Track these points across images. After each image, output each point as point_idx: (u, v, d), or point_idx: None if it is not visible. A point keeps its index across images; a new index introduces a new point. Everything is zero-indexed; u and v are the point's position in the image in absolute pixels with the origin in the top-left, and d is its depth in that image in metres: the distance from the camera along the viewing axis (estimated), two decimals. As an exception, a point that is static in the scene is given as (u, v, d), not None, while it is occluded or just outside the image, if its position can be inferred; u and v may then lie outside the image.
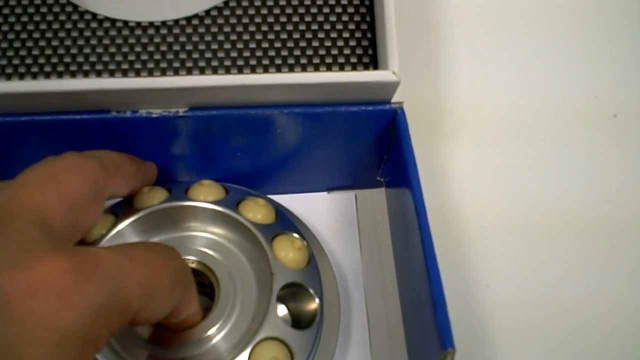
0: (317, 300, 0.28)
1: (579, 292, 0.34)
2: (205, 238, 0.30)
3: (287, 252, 0.29)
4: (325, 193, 0.35)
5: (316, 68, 0.29)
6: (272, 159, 0.32)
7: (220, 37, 0.29)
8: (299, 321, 0.28)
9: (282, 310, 0.29)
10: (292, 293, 0.28)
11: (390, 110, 0.30)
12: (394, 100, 0.30)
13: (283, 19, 0.29)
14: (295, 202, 0.34)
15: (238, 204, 0.30)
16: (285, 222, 0.31)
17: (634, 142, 0.38)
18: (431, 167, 0.36)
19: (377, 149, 0.32)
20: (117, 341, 0.27)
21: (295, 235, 0.30)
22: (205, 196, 0.30)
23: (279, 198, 0.34)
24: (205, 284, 0.31)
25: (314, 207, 0.35)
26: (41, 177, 0.22)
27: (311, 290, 0.28)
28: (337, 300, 0.30)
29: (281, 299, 0.29)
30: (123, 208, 0.30)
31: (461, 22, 0.40)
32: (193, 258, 0.29)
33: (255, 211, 0.30)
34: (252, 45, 0.29)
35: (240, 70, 0.29)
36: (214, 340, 0.27)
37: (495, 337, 0.32)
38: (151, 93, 0.27)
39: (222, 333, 0.27)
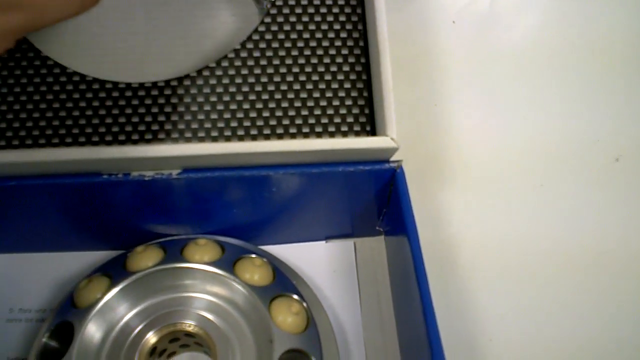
0: (317, 366, 0.28)
1: (583, 339, 0.33)
2: (202, 300, 0.30)
3: (285, 316, 0.28)
4: (323, 242, 0.35)
5: (312, 129, 0.28)
6: (268, 214, 0.32)
7: (213, 98, 0.28)
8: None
9: (282, 374, 0.28)
10: (292, 358, 0.28)
11: (389, 169, 0.29)
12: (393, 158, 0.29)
13: (277, 79, 0.28)
14: (293, 252, 0.34)
15: (235, 264, 0.30)
16: (283, 282, 0.30)
17: (636, 186, 0.37)
18: (432, 215, 0.35)
19: (376, 202, 0.32)
20: None
21: (294, 296, 0.29)
22: (200, 256, 0.30)
23: (276, 248, 0.34)
24: (202, 345, 0.30)
25: (312, 257, 0.34)
26: None
27: (313, 358, 0.28)
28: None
29: (282, 362, 0.28)
30: (117, 270, 0.30)
31: (460, 68, 0.39)
32: (190, 322, 0.29)
33: (252, 272, 0.30)
34: (246, 105, 0.28)
35: (233, 132, 0.28)
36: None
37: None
38: (143, 160, 0.27)
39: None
